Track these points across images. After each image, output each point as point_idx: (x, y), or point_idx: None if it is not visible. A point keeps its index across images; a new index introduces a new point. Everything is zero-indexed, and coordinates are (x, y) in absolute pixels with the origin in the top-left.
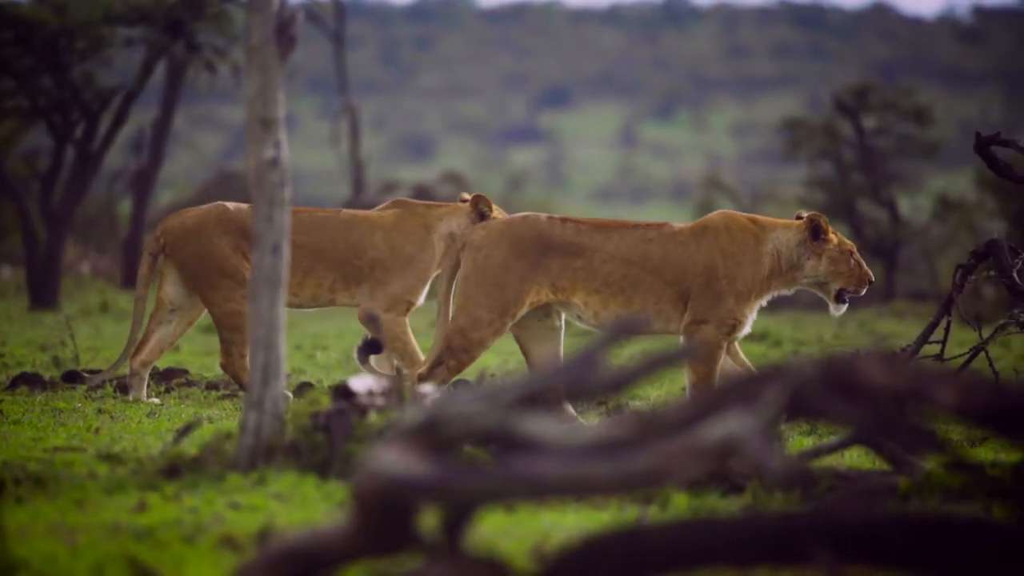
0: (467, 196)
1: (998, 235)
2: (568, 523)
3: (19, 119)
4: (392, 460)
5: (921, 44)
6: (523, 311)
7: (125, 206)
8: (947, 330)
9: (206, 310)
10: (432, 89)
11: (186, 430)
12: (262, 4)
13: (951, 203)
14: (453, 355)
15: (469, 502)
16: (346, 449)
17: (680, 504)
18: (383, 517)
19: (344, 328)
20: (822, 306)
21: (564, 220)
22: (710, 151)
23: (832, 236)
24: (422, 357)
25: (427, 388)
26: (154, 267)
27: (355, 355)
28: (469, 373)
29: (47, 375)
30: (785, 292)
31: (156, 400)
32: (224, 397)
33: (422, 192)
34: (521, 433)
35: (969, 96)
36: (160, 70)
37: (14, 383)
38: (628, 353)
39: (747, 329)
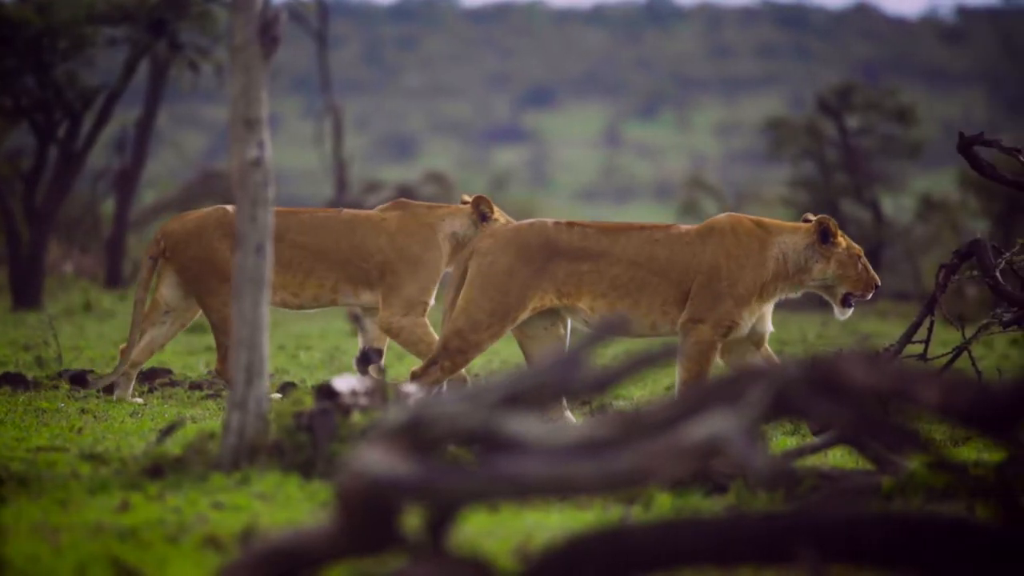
0: (468, 198)
1: (981, 235)
2: (552, 523)
3: (2, 119)
4: (375, 460)
5: (904, 44)
6: (524, 316)
7: (108, 206)
8: (930, 330)
9: (200, 313)
10: (415, 89)
11: (169, 430)
12: (245, 4)
13: (934, 203)
14: (448, 356)
15: (453, 502)
16: (329, 449)
17: (664, 504)
18: (366, 517)
19: (327, 328)
20: (805, 306)
21: (571, 225)
22: (694, 151)
23: (841, 239)
24: None
25: (410, 388)
26: (154, 270)
27: (355, 367)
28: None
29: (30, 375)
30: (792, 295)
31: (139, 400)
32: (207, 397)
33: (405, 192)
34: (505, 433)
35: (952, 96)
36: (143, 69)
37: None
38: (612, 353)
39: (745, 331)
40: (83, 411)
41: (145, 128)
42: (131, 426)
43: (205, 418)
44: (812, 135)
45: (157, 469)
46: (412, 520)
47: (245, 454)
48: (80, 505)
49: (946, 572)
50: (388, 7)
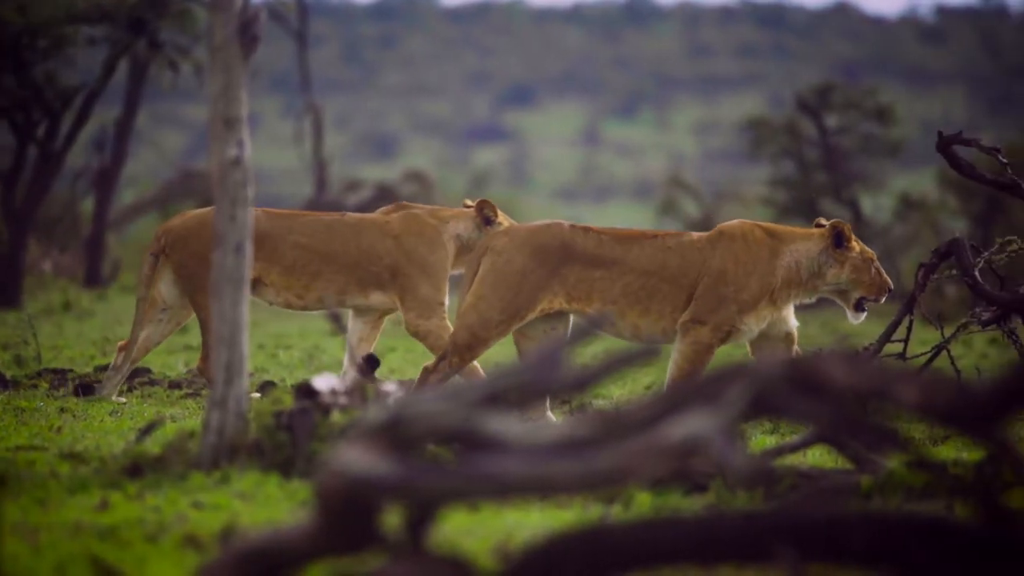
0: (471, 202)
1: (960, 234)
2: (532, 522)
3: None
4: (355, 459)
5: (884, 43)
6: (532, 316)
7: (87, 205)
8: (909, 329)
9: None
10: (395, 88)
11: (149, 429)
12: (225, 3)
13: (913, 202)
14: (458, 351)
15: (432, 501)
16: (309, 448)
17: (643, 503)
18: (346, 516)
19: (307, 327)
20: None
21: (587, 230)
22: (673, 150)
23: (854, 244)
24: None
25: (390, 386)
26: (155, 267)
27: (357, 371)
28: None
29: (9, 374)
30: (806, 300)
31: (122, 399)
32: (187, 396)
33: (386, 192)
34: (485, 432)
35: (932, 95)
36: (122, 69)
37: None
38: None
39: (748, 336)
40: (62, 410)
41: (124, 127)
42: (110, 425)
43: (185, 417)
44: (791, 134)
45: (136, 468)
46: (392, 519)
47: (225, 453)
48: (59, 504)
49: (926, 571)
50: (368, 6)
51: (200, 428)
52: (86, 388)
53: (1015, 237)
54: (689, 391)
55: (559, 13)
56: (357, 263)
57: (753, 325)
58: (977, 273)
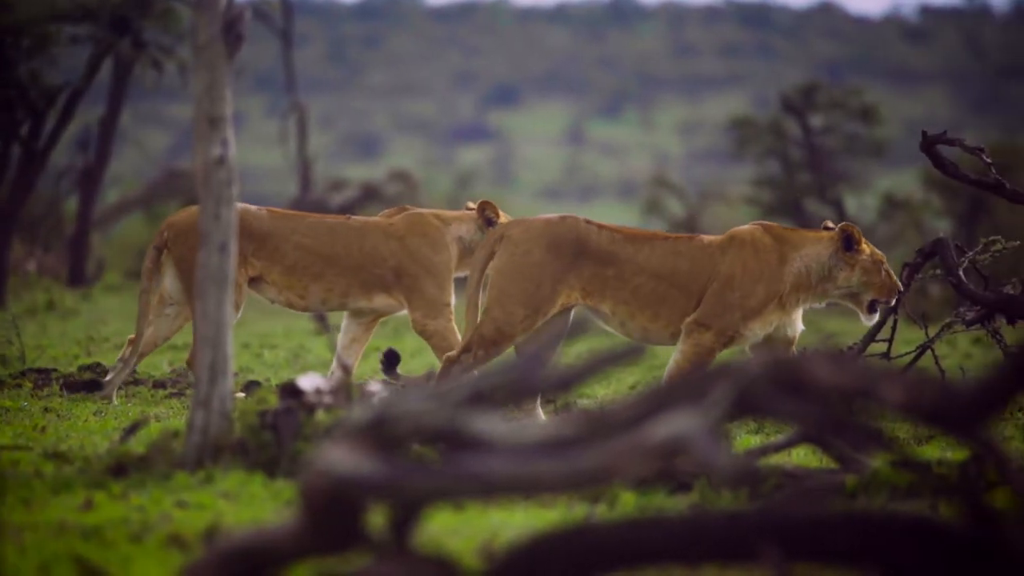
0: (473, 204)
1: (944, 234)
2: (516, 521)
3: None
4: (340, 458)
5: (868, 43)
6: (554, 311)
7: (71, 204)
8: (894, 328)
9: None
10: (380, 87)
11: (133, 428)
12: (209, 2)
13: (897, 202)
14: (483, 345)
15: (417, 500)
16: (294, 447)
17: (628, 502)
18: (331, 515)
19: (291, 327)
20: None
21: (600, 227)
22: (657, 150)
23: (865, 247)
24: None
25: (375, 386)
26: (158, 261)
27: (381, 369)
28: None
29: None
30: (816, 304)
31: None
32: (171, 395)
33: (370, 191)
34: (469, 432)
35: (916, 95)
36: (106, 68)
37: None
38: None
39: (751, 341)
40: (46, 410)
41: (108, 126)
42: (95, 425)
43: (169, 417)
44: (776, 134)
45: (121, 468)
46: (376, 519)
47: (209, 453)
48: (43, 504)
49: (909, 571)
50: (352, 6)
51: (184, 428)
52: (93, 385)
53: (999, 237)
54: (674, 391)
55: (543, 13)
56: (360, 266)
57: (758, 331)
58: (961, 273)
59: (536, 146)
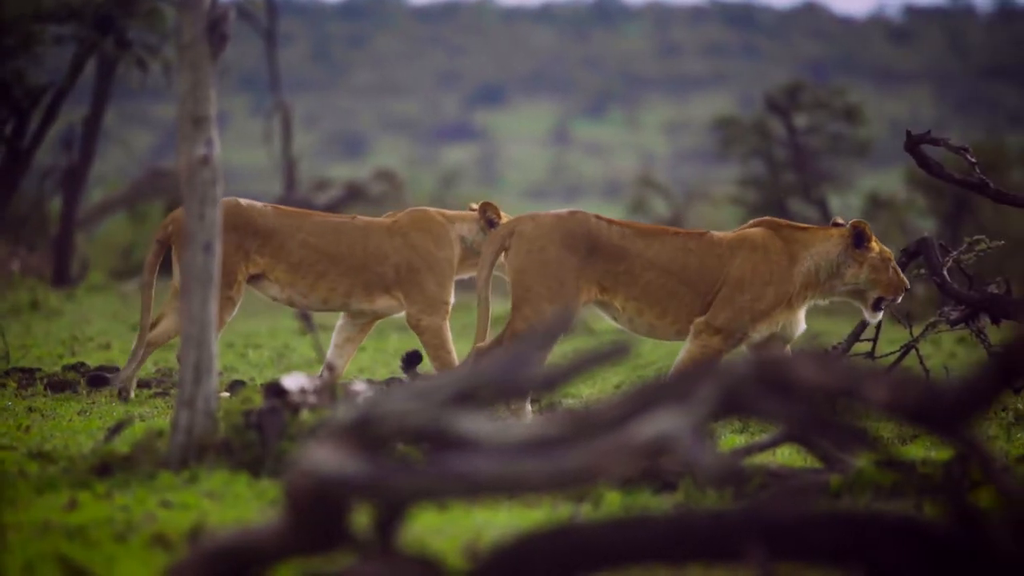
0: (475, 205)
1: (928, 233)
2: (501, 521)
3: None
4: (324, 458)
5: (852, 43)
6: (581, 306)
7: (56, 204)
8: (878, 328)
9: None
10: (365, 87)
11: (117, 428)
12: (193, 2)
13: (882, 201)
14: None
15: (401, 500)
16: (278, 447)
17: (613, 502)
18: (315, 515)
19: (276, 326)
20: None
21: (610, 222)
22: (642, 150)
23: (874, 244)
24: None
25: (359, 386)
26: (160, 255)
27: (401, 369)
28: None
29: None
30: (821, 301)
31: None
32: (156, 395)
33: (355, 190)
34: (454, 431)
35: (900, 95)
36: (90, 67)
37: None
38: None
39: (758, 340)
40: (31, 409)
41: (93, 126)
42: (79, 424)
43: (153, 416)
44: (760, 134)
45: (105, 467)
46: (361, 518)
47: (193, 452)
48: (28, 504)
49: (894, 570)
50: (337, 5)
51: (169, 427)
52: (98, 379)
53: (983, 236)
54: (659, 390)
55: (528, 12)
56: (364, 265)
57: (765, 331)
58: (946, 272)
59: (521, 146)
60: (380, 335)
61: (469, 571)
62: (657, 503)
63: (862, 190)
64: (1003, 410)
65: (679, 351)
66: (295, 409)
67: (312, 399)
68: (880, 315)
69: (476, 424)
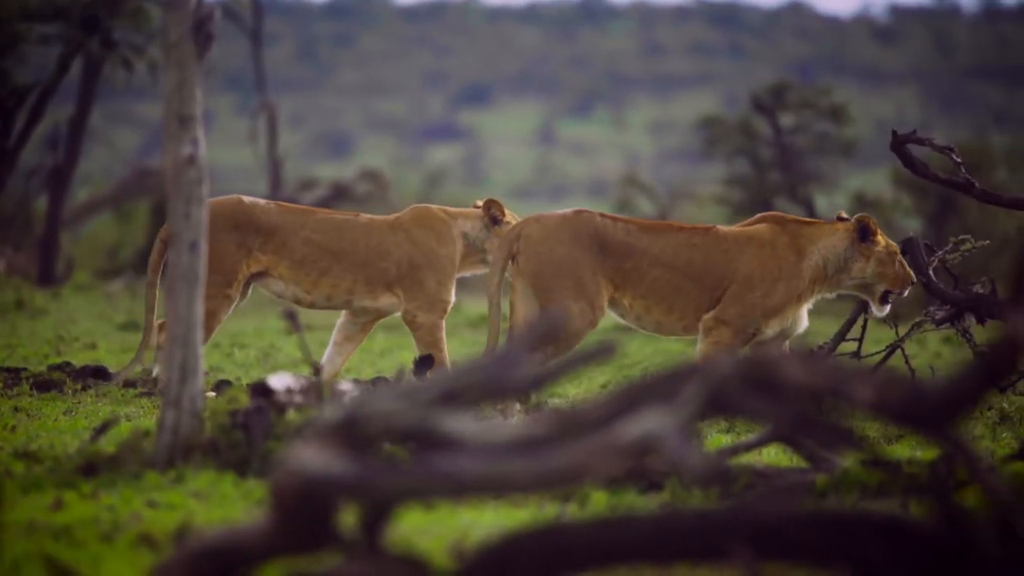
0: (479, 202)
1: (914, 233)
2: (487, 521)
3: None
4: (310, 458)
5: (838, 43)
6: (605, 304)
7: (41, 203)
8: (864, 328)
9: (247, 297)
10: (350, 87)
11: (103, 428)
12: (179, 1)
13: (867, 201)
14: (555, 353)
15: (388, 500)
16: (265, 447)
17: (599, 502)
18: (301, 515)
19: (262, 326)
20: None
21: (615, 220)
22: (628, 149)
23: (880, 238)
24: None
25: (346, 386)
26: (164, 254)
27: (413, 373)
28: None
29: None
30: (828, 295)
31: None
32: (142, 395)
33: (341, 190)
34: (441, 431)
35: (885, 95)
36: (76, 67)
37: None
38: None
39: (769, 336)
40: (16, 409)
41: (78, 125)
42: (65, 424)
43: (139, 416)
44: (746, 133)
45: (91, 467)
46: (347, 518)
47: (180, 452)
48: (13, 503)
49: (880, 569)
50: (322, 5)
51: (155, 427)
52: (99, 372)
53: (968, 236)
54: (645, 389)
55: (514, 12)
56: (366, 261)
57: (777, 327)
58: (931, 272)
59: (507, 145)
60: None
61: (455, 571)
62: (643, 503)
63: (848, 190)
64: (988, 409)
65: (666, 349)
66: (281, 409)
67: (298, 399)
68: (888, 309)
69: (462, 424)
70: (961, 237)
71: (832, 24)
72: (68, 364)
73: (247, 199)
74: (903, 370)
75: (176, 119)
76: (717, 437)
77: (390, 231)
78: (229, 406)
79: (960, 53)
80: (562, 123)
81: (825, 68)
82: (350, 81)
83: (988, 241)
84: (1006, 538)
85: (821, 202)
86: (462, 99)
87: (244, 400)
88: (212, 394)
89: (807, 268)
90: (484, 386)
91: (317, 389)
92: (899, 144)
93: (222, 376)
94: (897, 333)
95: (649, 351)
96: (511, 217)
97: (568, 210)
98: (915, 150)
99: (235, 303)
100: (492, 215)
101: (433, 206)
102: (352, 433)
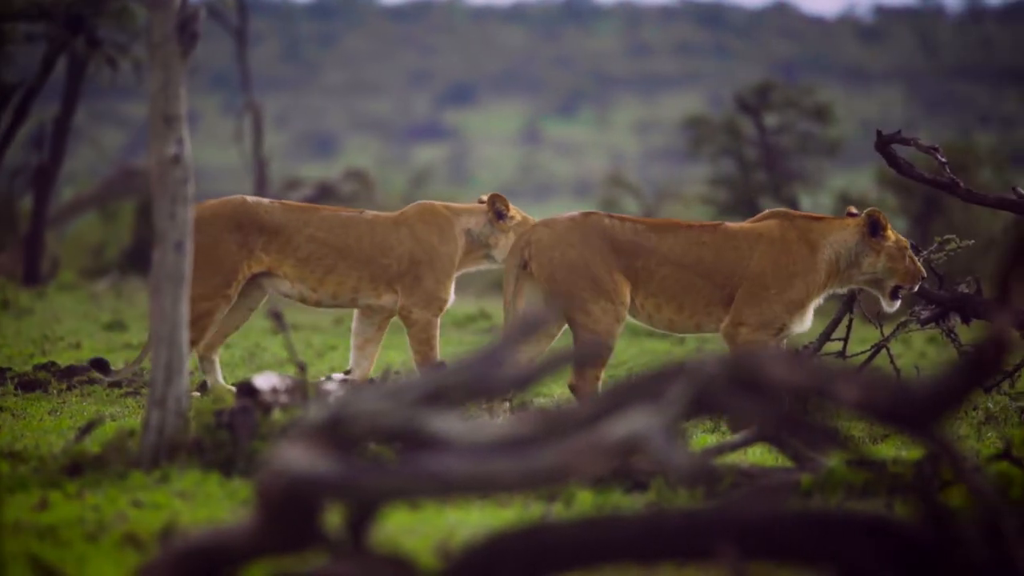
0: (484, 197)
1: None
2: (473, 520)
3: None
4: (296, 458)
5: (822, 43)
6: (627, 298)
7: (26, 203)
8: (849, 327)
9: (267, 295)
10: (335, 86)
11: (88, 428)
12: (164, 1)
13: (852, 201)
14: (592, 364)
15: (373, 499)
16: (250, 447)
17: (584, 501)
18: (287, 515)
19: (247, 326)
20: None
21: (623, 220)
22: (613, 149)
23: (890, 233)
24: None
25: (331, 385)
26: None
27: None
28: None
29: None
30: (839, 290)
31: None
32: (127, 395)
33: (326, 190)
34: (426, 431)
35: (870, 95)
36: (61, 66)
37: None
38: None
39: (797, 331)
40: (1, 409)
41: (63, 125)
42: (50, 424)
43: (124, 416)
44: (731, 133)
45: (76, 467)
46: (333, 518)
47: (165, 452)
48: None
49: (865, 569)
50: (307, 5)
51: (140, 427)
52: (100, 365)
53: (953, 236)
54: (630, 389)
55: (499, 12)
56: (371, 258)
57: (800, 321)
58: None
59: (492, 145)
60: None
61: (441, 570)
62: (629, 502)
63: (832, 189)
64: (974, 409)
65: (651, 349)
66: (267, 409)
67: (284, 398)
68: (898, 304)
69: (448, 423)
70: (946, 237)
71: (817, 24)
72: (53, 364)
73: (251, 199)
74: (888, 370)
75: (161, 118)
76: (702, 437)
77: (393, 227)
78: (214, 406)
79: (945, 53)
80: (547, 123)
81: (810, 68)
82: (335, 81)
83: (973, 241)
84: (991, 538)
85: (805, 202)
86: (447, 99)
87: (229, 400)
88: (197, 394)
89: (822, 262)
90: (470, 386)
91: (302, 389)
92: (884, 144)
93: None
94: (882, 333)
95: (634, 351)
96: (516, 212)
97: (575, 213)
98: (900, 150)
99: (233, 301)
100: (497, 210)
101: (437, 203)
102: (338, 433)
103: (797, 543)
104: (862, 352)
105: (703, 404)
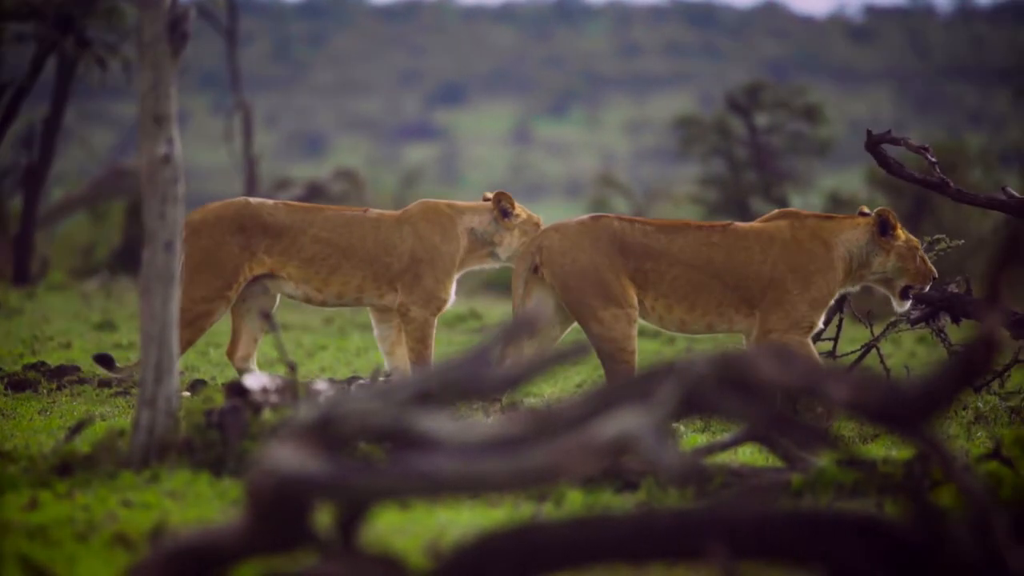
0: (490, 195)
1: None
2: (463, 520)
3: None
4: (286, 457)
5: (812, 43)
6: (636, 301)
7: (16, 203)
8: (839, 327)
9: (278, 296)
10: (325, 86)
11: (78, 427)
12: (153, 0)
13: (842, 201)
14: (614, 364)
15: (363, 499)
16: (240, 446)
17: (575, 501)
18: (277, 514)
19: None
20: None
21: (632, 222)
22: (604, 149)
23: (900, 232)
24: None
25: (321, 385)
26: None
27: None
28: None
29: None
30: (851, 289)
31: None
32: (117, 394)
33: (316, 190)
34: (416, 430)
35: (860, 95)
36: (50, 66)
37: None
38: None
39: (822, 327)
40: None
41: (53, 125)
42: (40, 423)
43: (115, 415)
44: (721, 133)
45: (66, 467)
46: (323, 518)
47: (155, 452)
48: None
49: (855, 569)
50: (297, 4)
51: (130, 426)
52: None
53: (943, 236)
54: (620, 389)
55: (489, 11)
56: (375, 257)
57: (822, 318)
58: None
59: (482, 145)
60: (342, 334)
61: (431, 570)
62: (619, 502)
63: (823, 189)
64: (963, 409)
65: (641, 349)
66: (257, 408)
67: (274, 398)
68: (908, 304)
69: (438, 423)
70: (936, 237)
71: (807, 24)
72: (43, 364)
73: (254, 200)
74: (878, 369)
75: (151, 118)
76: (693, 436)
77: (397, 226)
78: (204, 405)
79: (935, 53)
80: (538, 123)
81: (800, 68)
82: (325, 81)
83: (963, 241)
84: (981, 537)
85: (796, 202)
86: (437, 99)
87: (220, 400)
88: (187, 393)
89: (838, 259)
90: (460, 385)
91: (292, 389)
92: (874, 144)
93: (198, 376)
94: (872, 333)
95: None
96: (521, 210)
97: (585, 216)
98: (890, 150)
99: (232, 301)
100: (502, 208)
101: (441, 201)
102: (328, 433)
103: (787, 543)
104: (852, 352)
105: (693, 404)
